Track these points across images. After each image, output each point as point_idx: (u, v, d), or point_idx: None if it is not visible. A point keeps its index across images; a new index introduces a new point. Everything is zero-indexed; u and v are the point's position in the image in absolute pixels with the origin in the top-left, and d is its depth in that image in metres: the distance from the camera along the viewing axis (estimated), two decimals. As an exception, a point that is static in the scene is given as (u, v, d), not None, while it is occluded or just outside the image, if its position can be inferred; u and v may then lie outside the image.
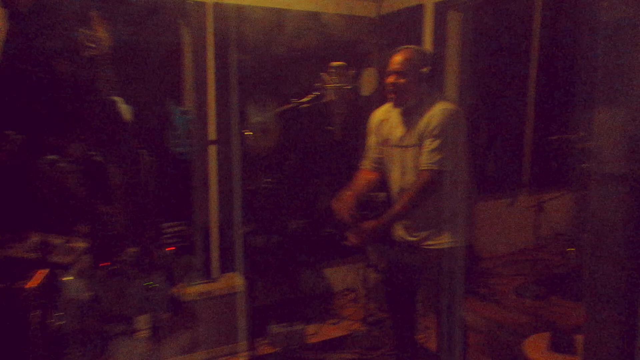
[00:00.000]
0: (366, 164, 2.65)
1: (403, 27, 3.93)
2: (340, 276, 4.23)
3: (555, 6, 4.64)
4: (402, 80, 2.28)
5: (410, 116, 2.35)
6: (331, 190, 4.04)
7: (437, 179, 2.25)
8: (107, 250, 2.33)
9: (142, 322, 2.44)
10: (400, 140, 2.39)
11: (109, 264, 2.08)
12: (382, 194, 2.64)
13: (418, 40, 3.74)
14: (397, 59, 2.30)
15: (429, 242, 2.42)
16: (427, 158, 2.24)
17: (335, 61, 2.25)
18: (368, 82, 2.29)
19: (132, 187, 2.50)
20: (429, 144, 2.23)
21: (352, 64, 2.44)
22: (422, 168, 2.27)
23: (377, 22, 4.17)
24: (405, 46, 2.35)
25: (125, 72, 3.22)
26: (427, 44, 3.68)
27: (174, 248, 2.46)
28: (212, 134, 3.53)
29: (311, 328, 3.61)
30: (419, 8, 3.75)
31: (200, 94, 3.49)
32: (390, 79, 2.31)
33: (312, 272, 3.95)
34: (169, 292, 2.23)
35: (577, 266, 4.26)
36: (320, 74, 2.28)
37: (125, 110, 2.38)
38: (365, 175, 2.64)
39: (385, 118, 2.50)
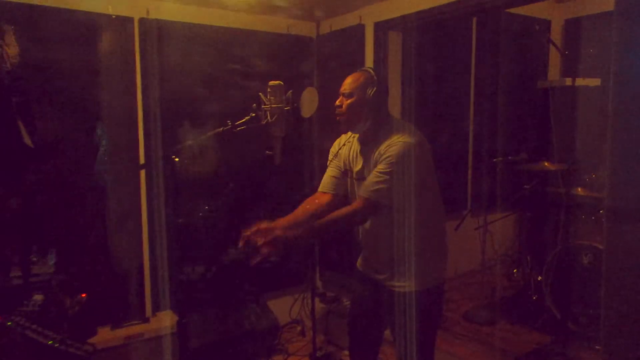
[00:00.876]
0: (321, 186, 2.45)
1: (343, 47, 3.84)
2: (285, 308, 4.00)
3: (492, 29, 4.72)
4: (347, 102, 2.15)
5: (367, 146, 2.20)
6: (271, 217, 3.86)
7: (370, 210, 2.09)
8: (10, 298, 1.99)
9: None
10: (358, 174, 2.24)
11: (1, 319, 1.75)
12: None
13: (359, 60, 3.66)
14: (347, 80, 2.19)
15: (391, 283, 2.24)
16: (367, 186, 2.08)
17: (273, 80, 2.07)
18: (308, 102, 2.11)
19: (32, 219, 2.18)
20: (375, 173, 2.07)
21: (292, 85, 2.28)
22: (359, 194, 2.12)
23: (317, 41, 4.07)
24: (361, 68, 2.23)
25: (48, 92, 2.94)
26: (369, 63, 3.60)
27: (84, 295, 2.14)
28: (141, 157, 3.27)
29: (255, 367, 3.36)
30: (359, 28, 3.68)
31: (128, 114, 3.23)
32: (337, 101, 2.19)
33: (255, 304, 3.69)
34: (78, 349, 1.92)
35: (523, 288, 4.25)
36: (259, 94, 2.10)
37: (25, 134, 2.09)
38: (310, 201, 2.44)
39: (347, 144, 2.34)
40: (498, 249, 5.08)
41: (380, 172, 2.05)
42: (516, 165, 4.21)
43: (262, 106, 2.05)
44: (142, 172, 3.29)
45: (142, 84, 3.25)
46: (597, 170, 4.00)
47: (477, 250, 4.25)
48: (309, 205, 2.38)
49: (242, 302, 3.63)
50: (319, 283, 4.24)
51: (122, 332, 2.93)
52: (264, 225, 2.04)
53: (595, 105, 4.33)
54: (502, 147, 4.41)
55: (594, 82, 4.18)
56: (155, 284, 3.36)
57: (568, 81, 4.09)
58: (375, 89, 2.13)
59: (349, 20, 3.78)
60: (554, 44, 4.49)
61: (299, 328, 3.95)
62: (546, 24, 4.91)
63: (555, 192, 4.04)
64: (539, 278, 3.91)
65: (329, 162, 2.43)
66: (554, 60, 4.96)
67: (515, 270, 4.73)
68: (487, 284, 4.27)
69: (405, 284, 2.19)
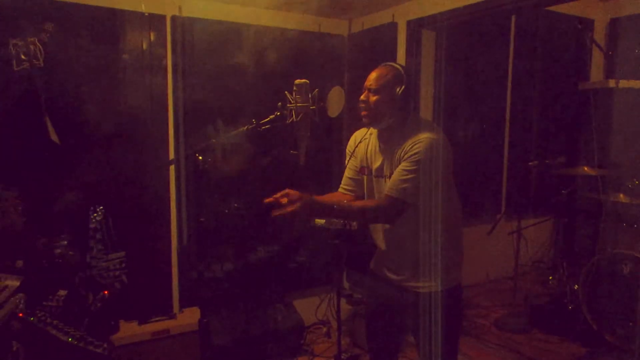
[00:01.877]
0: (341, 187, 2.40)
1: (375, 46, 3.78)
2: (311, 308, 3.97)
3: (531, 28, 4.57)
4: (373, 98, 2.06)
5: (389, 143, 2.13)
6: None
7: (395, 209, 2.00)
8: (38, 292, 2.02)
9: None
10: (378, 171, 2.17)
11: (21, 315, 1.77)
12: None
13: (391, 59, 3.59)
14: (372, 75, 2.10)
15: (413, 284, 2.17)
16: (393, 184, 2.00)
17: (299, 79, 2.04)
18: (335, 102, 2.07)
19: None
20: (401, 171, 1.99)
21: (322, 83, 2.24)
22: (385, 193, 2.03)
23: (348, 40, 4.02)
24: (385, 63, 2.14)
25: (80, 90, 2.99)
26: (401, 62, 3.53)
27: (107, 292, 2.16)
28: (171, 154, 3.29)
29: (279, 367, 3.34)
30: (392, 26, 3.61)
31: (159, 111, 3.26)
32: (362, 96, 2.11)
33: (281, 304, 3.68)
34: (96, 347, 1.93)
35: (558, 296, 4.10)
36: (285, 92, 2.07)
37: (52, 131, 2.11)
38: (337, 195, 2.40)
39: (364, 141, 2.27)
40: (532, 255, 4.93)
41: (406, 170, 1.97)
42: (553, 169, 4.07)
43: (288, 105, 2.02)
44: (172, 169, 3.31)
45: (173, 81, 3.27)
46: (638, 176, 3.82)
47: (510, 256, 4.13)
48: (333, 197, 2.36)
49: (268, 300, 3.63)
50: (346, 284, 4.19)
51: (149, 327, 2.95)
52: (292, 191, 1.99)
53: (639, 108, 4.14)
54: (539, 151, 4.27)
55: (639, 84, 4.00)
56: (183, 280, 3.38)
57: (611, 83, 3.92)
58: (403, 87, 2.05)
59: (381, 18, 3.72)
60: (597, 44, 4.31)
61: (324, 329, 3.92)
62: (589, 24, 4.72)
63: (594, 197, 3.88)
64: (576, 287, 3.76)
65: (346, 161, 2.37)
66: (597, 61, 4.77)
67: (550, 278, 4.57)
68: (520, 290, 4.14)
69: (429, 284, 2.13)
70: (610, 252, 3.49)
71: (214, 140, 2.01)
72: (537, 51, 4.54)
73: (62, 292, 1.98)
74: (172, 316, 3.13)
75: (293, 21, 3.74)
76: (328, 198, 2.34)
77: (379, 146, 2.18)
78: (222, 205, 3.39)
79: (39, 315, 1.81)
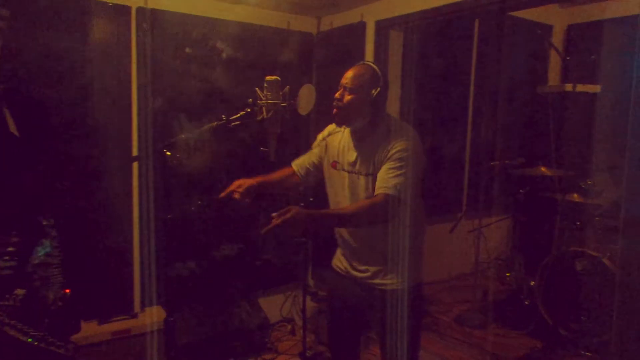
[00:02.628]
0: (295, 164, 2.40)
1: (344, 44, 3.80)
2: (276, 306, 3.96)
3: (494, 32, 4.68)
4: (348, 97, 2.06)
5: (363, 141, 2.14)
6: (267, 213, 3.82)
7: (390, 205, 2.00)
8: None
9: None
10: (351, 166, 2.16)
11: None
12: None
13: (359, 58, 3.62)
14: (349, 74, 2.09)
15: (379, 281, 2.19)
16: (384, 182, 2.00)
17: (270, 76, 2.03)
18: (306, 99, 2.06)
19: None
20: (389, 167, 2.00)
21: (290, 81, 2.23)
22: (378, 191, 2.02)
23: (317, 38, 4.03)
24: (363, 62, 2.15)
25: (41, 80, 2.88)
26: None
27: (68, 290, 2.09)
28: (135, 149, 3.22)
29: (243, 365, 3.32)
30: (360, 26, 3.64)
31: (123, 104, 3.18)
32: (337, 94, 2.10)
33: (246, 302, 3.66)
34: (58, 347, 1.86)
35: (515, 292, 4.24)
36: (255, 89, 2.05)
37: (11, 122, 2.03)
38: (286, 172, 2.42)
39: (337, 134, 2.27)
40: (491, 252, 5.06)
41: (394, 168, 1.99)
42: (513, 170, 4.19)
43: (258, 102, 2.01)
44: (135, 165, 3.24)
45: (138, 74, 3.19)
46: (593, 176, 3.98)
47: (470, 253, 4.24)
48: (277, 174, 2.41)
49: (233, 299, 3.60)
50: (311, 281, 4.21)
51: (109, 327, 2.88)
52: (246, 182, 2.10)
53: (593, 111, 4.32)
54: (500, 151, 4.39)
55: (594, 88, 4.16)
56: (145, 279, 3.31)
57: (568, 87, 4.07)
58: (379, 89, 2.06)
59: (350, 17, 3.74)
60: (555, 49, 4.46)
61: (289, 327, 3.92)
62: (548, 29, 4.88)
63: (551, 197, 4.02)
64: (532, 283, 3.89)
65: (313, 145, 2.37)
66: (555, 65, 4.94)
67: (508, 274, 4.71)
68: (480, 287, 4.25)
69: (396, 282, 2.15)
70: (565, 249, 3.63)
71: (182, 136, 1.97)
72: (499, 54, 4.65)
73: (20, 291, 1.89)
74: (134, 315, 3.07)
75: (262, 17, 3.71)
76: (277, 176, 2.39)
77: (353, 142, 2.18)
78: (188, 203, 3.33)
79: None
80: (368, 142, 2.11)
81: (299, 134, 3.97)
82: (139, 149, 3.19)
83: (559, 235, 3.92)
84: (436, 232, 4.41)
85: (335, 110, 2.10)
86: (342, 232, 2.30)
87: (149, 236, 3.26)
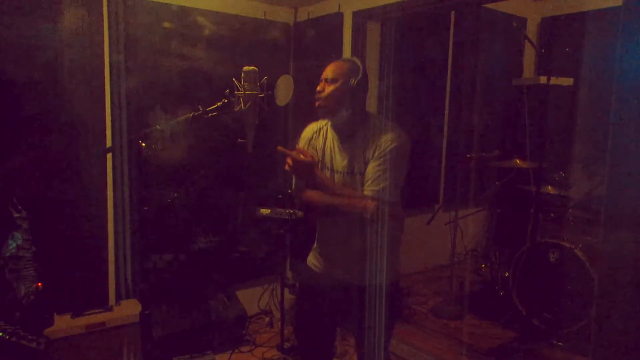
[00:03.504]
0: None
1: (321, 35, 3.77)
2: (254, 298, 3.95)
3: (469, 24, 4.71)
4: (329, 88, 2.08)
5: (350, 140, 2.15)
6: (245, 206, 3.79)
7: (372, 209, 2.02)
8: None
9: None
10: (347, 168, 2.15)
11: None
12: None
13: (337, 49, 3.60)
14: (329, 67, 2.13)
15: (357, 277, 2.19)
16: (370, 184, 2.03)
17: (247, 66, 2.00)
18: (284, 90, 2.05)
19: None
20: (375, 170, 2.02)
21: (267, 71, 2.20)
22: (368, 192, 2.04)
23: (294, 28, 3.99)
24: (343, 58, 2.20)
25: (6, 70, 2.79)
26: (347, 53, 3.55)
27: (40, 284, 2.04)
28: (108, 140, 3.14)
29: (222, 357, 3.31)
30: (338, 16, 3.62)
31: (95, 95, 3.10)
32: (318, 87, 2.12)
33: (223, 294, 3.63)
34: (30, 341, 1.82)
35: (490, 283, 4.30)
36: (233, 79, 2.02)
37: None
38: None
39: (320, 135, 2.27)
40: (467, 244, 5.12)
41: (380, 166, 2.02)
42: (489, 162, 4.23)
43: (236, 92, 1.98)
44: (109, 156, 3.17)
45: (110, 63, 3.11)
46: (566, 169, 4.05)
47: (447, 245, 4.27)
48: None
49: (210, 291, 3.57)
50: (289, 274, 4.20)
51: (83, 320, 2.82)
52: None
53: (566, 104, 4.39)
54: (476, 143, 4.43)
55: (567, 81, 4.22)
56: (120, 271, 3.25)
57: (542, 79, 4.11)
58: (359, 78, 2.08)
59: (327, 7, 3.72)
60: (530, 42, 4.51)
61: (267, 319, 3.91)
62: (523, 22, 4.93)
63: (525, 189, 4.08)
64: (506, 274, 3.95)
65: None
66: (530, 58, 5.00)
67: (483, 266, 4.78)
68: (456, 278, 4.30)
69: (373, 278, 2.16)
70: (539, 241, 3.69)
71: (158, 127, 1.93)
72: (475, 47, 4.69)
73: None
74: (109, 309, 3.01)
75: (238, 6, 3.66)
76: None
77: (339, 143, 2.18)
78: (164, 195, 3.28)
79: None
80: (354, 139, 2.12)
81: (277, 125, 3.94)
82: (113, 140, 3.12)
83: (533, 227, 3.97)
84: (413, 223, 4.44)
85: (317, 103, 2.11)
86: (324, 229, 2.30)
87: (124, 228, 3.21)
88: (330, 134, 2.22)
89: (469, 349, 3.40)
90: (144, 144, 1.80)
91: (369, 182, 2.04)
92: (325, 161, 2.22)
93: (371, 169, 2.04)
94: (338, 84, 2.08)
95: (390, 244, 2.15)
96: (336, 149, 2.18)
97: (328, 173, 2.20)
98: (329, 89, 2.08)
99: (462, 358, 3.30)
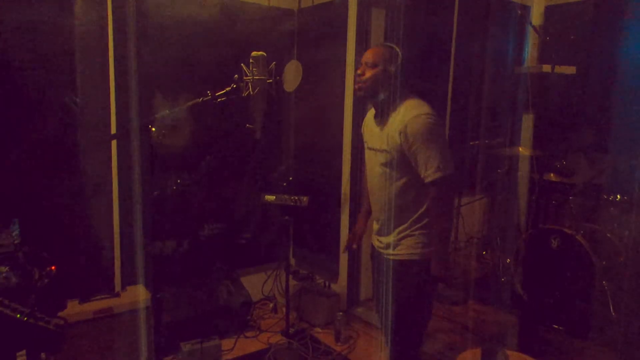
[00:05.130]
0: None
1: (325, 22, 3.76)
2: (258, 284, 3.97)
3: (473, 11, 4.70)
4: (369, 73, 2.18)
5: (383, 120, 2.25)
6: (250, 192, 3.81)
7: (444, 186, 2.10)
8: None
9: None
10: (374, 143, 2.30)
11: None
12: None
13: (341, 36, 3.59)
14: (370, 52, 2.24)
15: (388, 252, 2.29)
16: (425, 169, 2.09)
17: (256, 51, 2.00)
18: (292, 76, 2.05)
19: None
20: (422, 153, 2.08)
21: (272, 57, 2.20)
22: (427, 181, 2.11)
23: (298, 14, 3.98)
24: (382, 43, 2.37)
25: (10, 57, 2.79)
26: (351, 40, 3.54)
27: (54, 267, 2.06)
28: (113, 127, 3.15)
29: (227, 343, 3.33)
30: (342, 3, 3.60)
31: (100, 82, 3.09)
32: (359, 70, 2.23)
33: (228, 280, 3.66)
34: (47, 323, 1.84)
35: (492, 269, 4.33)
36: (241, 65, 2.02)
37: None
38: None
39: (367, 119, 2.42)
40: (470, 231, 5.16)
41: (425, 147, 2.07)
42: (491, 150, 4.25)
43: (244, 78, 1.99)
44: (114, 142, 3.18)
45: (115, 49, 3.10)
46: (568, 157, 4.07)
47: (449, 232, 4.30)
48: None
49: (215, 277, 3.59)
50: (292, 260, 4.23)
51: (91, 306, 2.84)
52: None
53: (569, 93, 4.39)
54: (479, 131, 4.44)
55: (570, 70, 4.23)
56: (126, 257, 3.27)
57: (546, 67, 4.12)
58: (398, 64, 2.19)
59: (331, -6, 3.70)
60: (535, 30, 4.49)
61: (271, 305, 3.94)
62: (527, 9, 4.91)
63: (527, 176, 4.10)
64: (508, 260, 3.99)
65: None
66: (533, 46, 4.98)
67: (484, 252, 4.81)
68: (459, 265, 4.34)
69: (405, 251, 2.25)
70: (541, 227, 3.72)
71: (167, 112, 1.94)
72: (478, 34, 4.68)
73: (3, 269, 1.86)
74: (115, 294, 3.03)
75: (243, -8, 3.64)
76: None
77: (375, 122, 2.30)
78: (171, 181, 3.29)
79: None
80: (386, 119, 2.22)
81: (283, 111, 3.94)
82: (118, 126, 3.12)
83: (534, 214, 4.00)
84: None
85: (357, 85, 2.23)
86: (374, 205, 2.41)
87: (130, 215, 3.22)
88: (370, 116, 2.36)
89: (471, 333, 3.44)
90: (153, 129, 1.81)
91: (422, 169, 2.11)
92: (368, 141, 2.37)
93: (420, 155, 2.10)
94: (378, 69, 2.18)
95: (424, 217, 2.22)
96: (375, 129, 2.29)
97: (368, 152, 2.35)
98: (369, 73, 2.19)
99: (465, 342, 3.33)
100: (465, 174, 4.52)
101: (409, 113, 2.12)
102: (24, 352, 1.91)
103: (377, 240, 2.39)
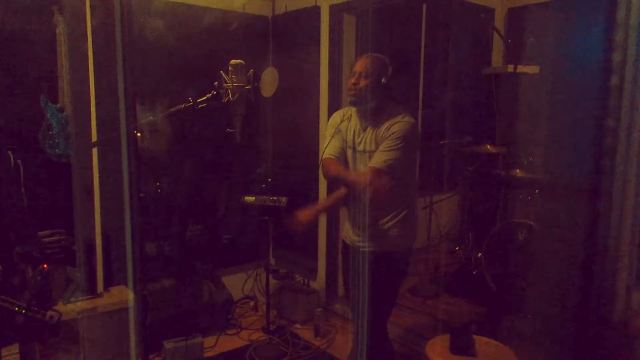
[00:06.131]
0: (334, 153, 2.59)
1: (299, 28, 3.88)
2: (239, 284, 4.08)
3: (440, 16, 4.88)
4: (363, 82, 2.35)
5: (370, 124, 2.41)
6: (230, 194, 3.91)
7: (380, 179, 2.29)
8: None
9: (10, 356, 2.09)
10: (361, 145, 2.45)
11: None
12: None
13: (314, 42, 3.72)
14: (363, 62, 2.40)
15: (367, 244, 2.46)
16: (377, 158, 2.31)
17: (234, 59, 2.12)
18: (269, 82, 2.17)
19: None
20: (384, 147, 2.30)
21: (248, 64, 2.31)
22: (370, 165, 2.32)
23: (272, 21, 4.09)
24: (373, 54, 2.44)
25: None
26: (324, 45, 3.67)
27: (46, 266, 2.14)
28: (94, 134, 3.22)
29: (209, 340, 3.43)
30: (315, 9, 3.73)
31: (80, 90, 3.16)
32: (353, 79, 2.37)
33: (210, 280, 3.75)
34: (43, 316, 1.93)
35: (464, 263, 4.50)
36: (220, 72, 2.14)
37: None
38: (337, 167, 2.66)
39: (345, 120, 2.55)
40: (442, 227, 5.33)
41: (389, 146, 2.29)
42: (461, 148, 4.42)
43: (224, 84, 2.10)
44: (95, 150, 3.25)
45: (95, 57, 3.18)
46: (533, 153, 4.27)
47: (423, 229, 4.46)
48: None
49: (197, 277, 3.68)
50: (272, 260, 4.33)
51: (75, 306, 2.91)
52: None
53: (533, 92, 4.60)
54: (449, 131, 4.61)
55: (534, 69, 4.43)
56: (108, 259, 3.34)
57: (510, 68, 4.31)
58: (388, 75, 2.37)
59: (304, 1, 3.83)
60: (497, 32, 4.69)
61: (252, 303, 4.04)
62: (491, 12, 5.12)
63: (495, 173, 4.29)
64: (479, 254, 4.16)
65: (330, 136, 2.58)
66: (498, 47, 5.19)
67: (457, 248, 4.98)
68: (432, 260, 4.50)
69: (384, 244, 2.45)
70: (509, 221, 3.90)
71: (151, 117, 2.04)
72: (446, 37, 4.86)
73: (-2, 268, 1.94)
74: (98, 295, 3.11)
75: (218, 0, 3.74)
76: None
77: (361, 126, 2.46)
78: (154, 183, 3.38)
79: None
80: (375, 122, 2.40)
81: (260, 115, 4.05)
82: (100, 134, 3.19)
83: (503, 209, 4.19)
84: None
85: (352, 93, 2.38)
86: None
87: (111, 216, 3.29)
88: (355, 119, 2.50)
89: (444, 324, 3.60)
90: (139, 134, 1.91)
91: (375, 158, 2.33)
92: (349, 142, 2.52)
93: (381, 147, 2.32)
94: (371, 78, 2.35)
95: (403, 215, 2.43)
96: (359, 132, 2.47)
97: (351, 151, 2.52)
98: (363, 82, 2.35)
99: (436, 332, 3.49)
100: (436, 171, 4.69)
101: (396, 117, 2.34)
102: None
103: (354, 235, 2.55)
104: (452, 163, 4.69)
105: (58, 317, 2.05)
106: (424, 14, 4.82)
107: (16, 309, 1.80)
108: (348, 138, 2.52)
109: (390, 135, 2.31)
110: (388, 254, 2.45)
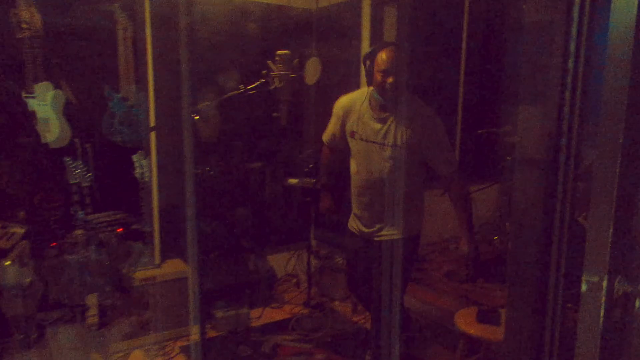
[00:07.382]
0: (328, 140, 2.74)
1: (341, 20, 4.06)
2: (282, 262, 4.33)
3: (484, 5, 4.92)
4: (393, 77, 2.33)
5: (388, 114, 2.43)
6: (275, 176, 4.16)
7: (461, 180, 2.49)
8: (49, 234, 2.29)
9: (91, 305, 2.41)
10: (375, 136, 2.46)
11: (56, 244, 2.05)
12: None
13: (356, 34, 3.89)
14: (387, 57, 2.35)
15: (383, 233, 2.61)
16: (447, 161, 2.47)
17: (281, 50, 2.33)
18: (312, 71, 2.37)
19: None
20: (441, 147, 2.44)
21: (296, 54, 2.52)
22: (451, 171, 2.48)
23: (316, 14, 4.29)
24: (391, 47, 2.39)
25: (59, 56, 3.17)
26: (365, 37, 3.83)
27: (121, 230, 2.45)
28: (152, 120, 3.51)
29: (255, 312, 3.69)
30: (357, 2, 3.89)
31: (141, 79, 3.46)
32: (379, 77, 2.36)
33: (256, 258, 4.02)
34: (119, 272, 2.23)
35: (501, 252, 4.57)
36: (267, 62, 2.35)
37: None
38: (330, 155, 2.85)
39: (352, 107, 2.56)
40: (481, 217, 5.39)
41: (446, 146, 2.46)
42: (500, 137, 4.48)
43: (271, 73, 2.31)
44: (153, 135, 3.53)
45: (153, 46, 3.44)
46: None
47: (461, 217, 4.54)
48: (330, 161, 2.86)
49: (243, 254, 3.96)
50: (313, 242, 4.55)
51: (137, 275, 3.23)
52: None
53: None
54: (489, 119, 4.68)
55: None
56: (164, 234, 3.64)
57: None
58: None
59: (347, -6, 3.99)
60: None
61: (294, 280, 4.29)
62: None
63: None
64: (516, 241, 4.22)
65: (333, 122, 2.66)
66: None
67: (495, 237, 5.04)
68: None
69: (397, 232, 2.60)
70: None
71: (206, 103, 2.28)
72: (487, 27, 4.90)
73: (79, 232, 2.23)
74: (157, 266, 3.42)
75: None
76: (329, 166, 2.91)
77: (374, 114, 2.46)
78: (205, 166, 3.66)
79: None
80: (393, 115, 2.42)
81: (306, 101, 4.28)
82: (157, 119, 3.47)
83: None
84: (429, 196, 4.73)
85: (386, 89, 2.37)
86: (357, 196, 2.69)
87: (167, 195, 3.58)
88: (366, 108, 2.49)
89: (476, 306, 3.72)
90: (197, 117, 2.14)
91: (445, 163, 2.47)
92: (359, 132, 2.52)
93: (440, 149, 2.44)
94: (399, 74, 2.36)
95: (411, 203, 2.58)
96: (370, 120, 2.48)
97: (361, 143, 2.51)
98: (391, 78, 2.34)
99: (472, 308, 3.62)
100: (475, 161, 4.77)
101: (420, 109, 2.43)
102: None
103: (364, 227, 2.68)
104: (492, 152, 4.75)
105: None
106: (466, 2, 4.88)
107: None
108: (360, 129, 2.50)
109: (438, 138, 2.41)
110: (405, 240, 2.59)
